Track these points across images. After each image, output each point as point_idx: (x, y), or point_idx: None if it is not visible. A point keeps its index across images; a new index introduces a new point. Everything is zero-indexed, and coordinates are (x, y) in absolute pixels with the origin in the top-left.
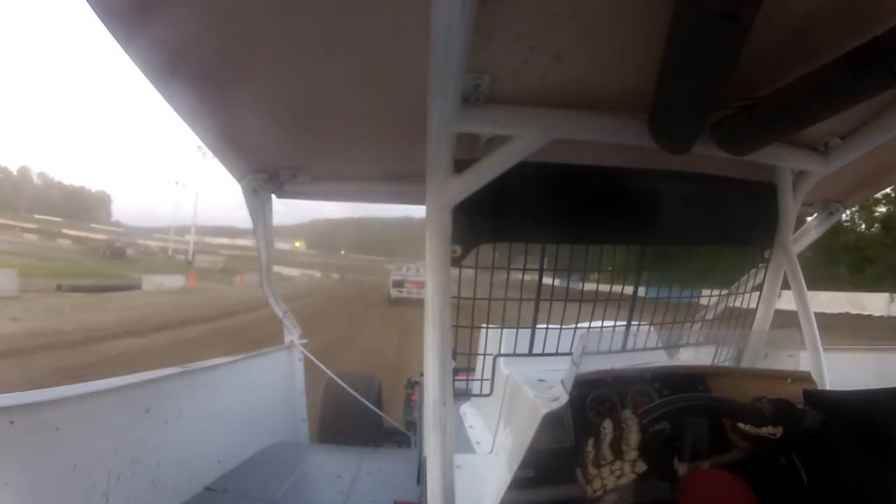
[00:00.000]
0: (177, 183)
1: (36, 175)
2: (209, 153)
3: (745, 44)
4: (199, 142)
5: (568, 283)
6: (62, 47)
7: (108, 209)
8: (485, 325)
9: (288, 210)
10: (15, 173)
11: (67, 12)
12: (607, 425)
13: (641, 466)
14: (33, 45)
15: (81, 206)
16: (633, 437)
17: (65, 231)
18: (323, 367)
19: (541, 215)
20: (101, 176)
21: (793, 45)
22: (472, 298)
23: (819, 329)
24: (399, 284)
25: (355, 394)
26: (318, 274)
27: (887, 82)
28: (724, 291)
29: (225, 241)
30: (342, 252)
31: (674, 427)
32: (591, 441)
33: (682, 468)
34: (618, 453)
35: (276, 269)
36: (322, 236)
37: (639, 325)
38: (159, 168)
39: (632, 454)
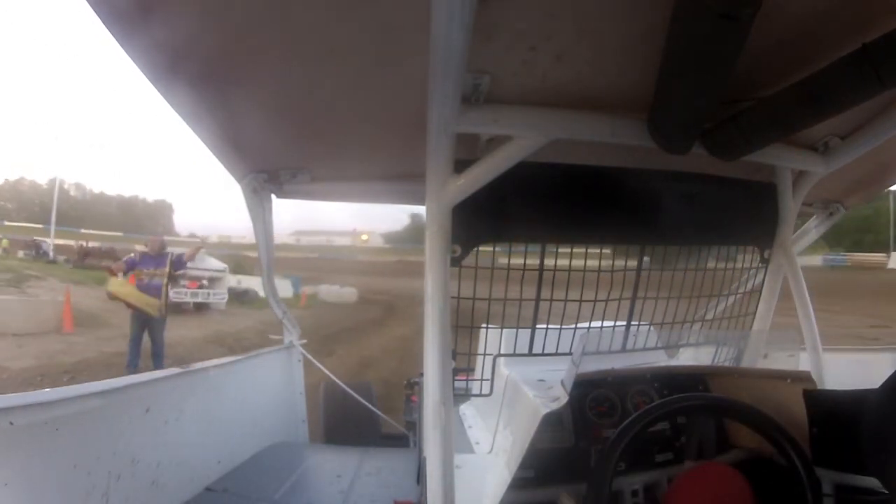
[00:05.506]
0: (102, 146)
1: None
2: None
3: (745, 45)
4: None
5: (569, 273)
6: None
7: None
8: (485, 325)
9: None
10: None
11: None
12: None
13: None
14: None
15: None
16: None
17: None
18: (323, 367)
19: (541, 215)
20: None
21: (791, 47)
22: (472, 298)
23: None
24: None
25: (355, 394)
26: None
27: (875, 88)
28: (724, 291)
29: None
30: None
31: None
32: None
33: (680, 469)
34: None
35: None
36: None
37: (639, 325)
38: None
39: None
